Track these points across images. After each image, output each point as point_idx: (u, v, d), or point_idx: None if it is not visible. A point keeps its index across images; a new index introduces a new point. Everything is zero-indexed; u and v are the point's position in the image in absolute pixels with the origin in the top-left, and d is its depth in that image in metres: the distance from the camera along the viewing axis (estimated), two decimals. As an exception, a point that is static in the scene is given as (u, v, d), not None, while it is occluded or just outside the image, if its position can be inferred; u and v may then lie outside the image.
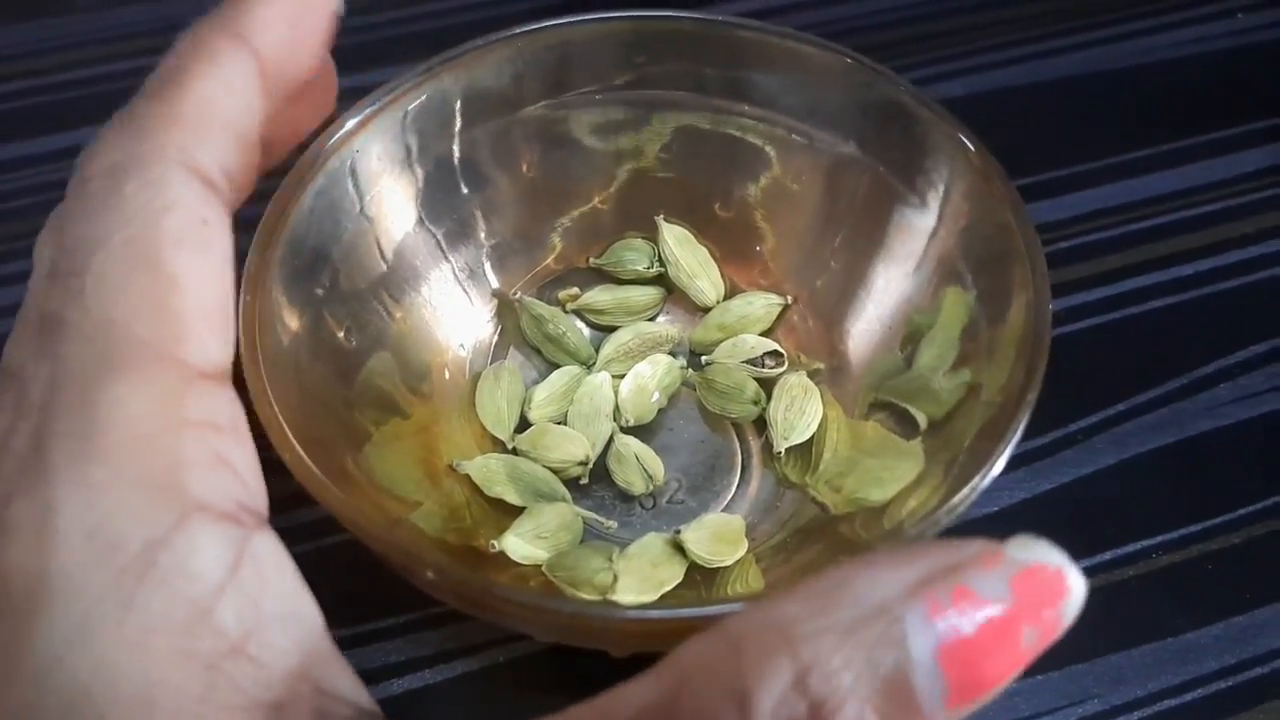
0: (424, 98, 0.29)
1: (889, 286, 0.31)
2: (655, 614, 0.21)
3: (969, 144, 0.28)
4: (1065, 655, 0.29)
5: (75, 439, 0.19)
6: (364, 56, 0.41)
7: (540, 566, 0.28)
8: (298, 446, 0.23)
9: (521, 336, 0.33)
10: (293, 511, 0.31)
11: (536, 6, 0.46)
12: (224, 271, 0.22)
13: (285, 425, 0.23)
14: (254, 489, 0.21)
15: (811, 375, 0.32)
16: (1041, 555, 0.17)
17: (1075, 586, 0.17)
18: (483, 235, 0.33)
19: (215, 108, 0.22)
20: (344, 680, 0.20)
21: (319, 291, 0.28)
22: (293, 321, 0.26)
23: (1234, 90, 0.43)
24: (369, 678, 0.29)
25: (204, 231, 0.21)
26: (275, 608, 0.19)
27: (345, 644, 0.29)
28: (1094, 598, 0.29)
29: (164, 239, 0.21)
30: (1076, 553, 0.30)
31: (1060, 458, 0.33)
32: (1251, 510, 0.32)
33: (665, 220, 0.34)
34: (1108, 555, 0.31)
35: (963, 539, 0.17)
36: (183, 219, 0.21)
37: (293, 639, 0.19)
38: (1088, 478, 0.33)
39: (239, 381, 0.27)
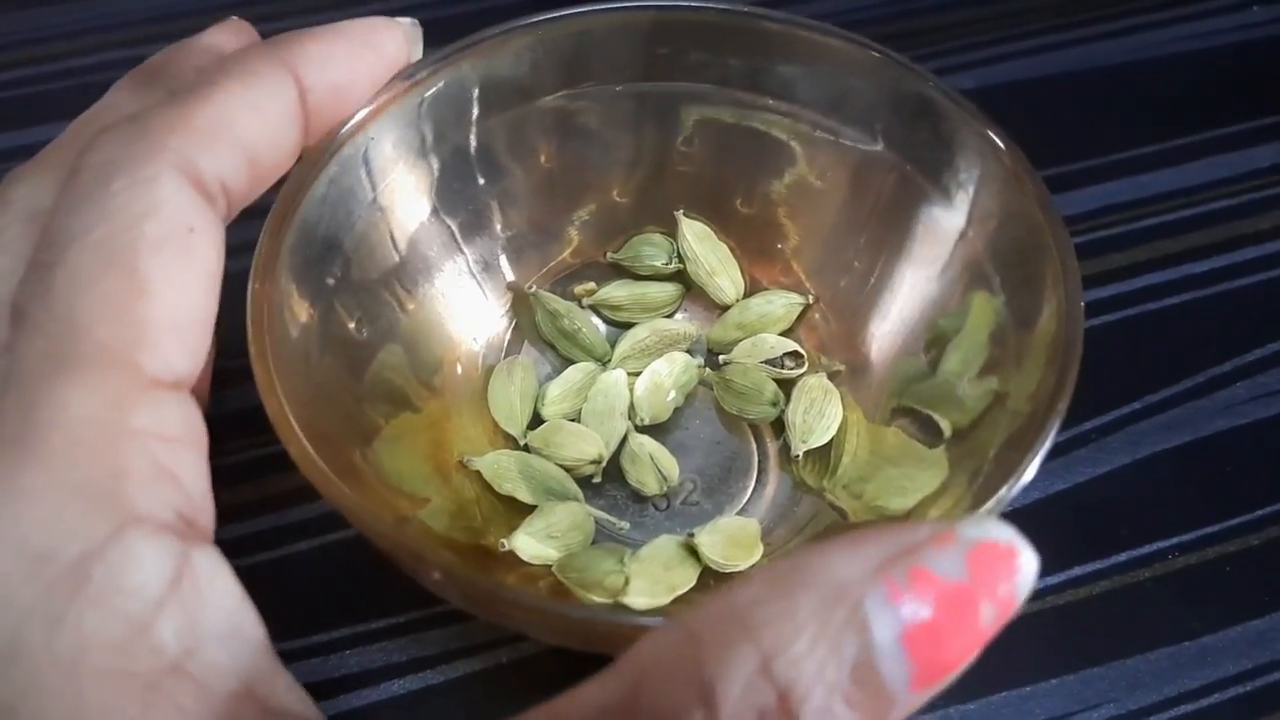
0: (441, 86, 0.28)
1: (914, 288, 0.30)
2: (662, 621, 0.21)
3: (999, 142, 0.27)
4: (1080, 659, 0.29)
5: (11, 443, 0.18)
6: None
7: (550, 567, 0.28)
8: (304, 440, 0.22)
9: (536, 331, 0.33)
10: (295, 507, 0.31)
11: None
12: (203, 282, 0.21)
13: (291, 418, 0.23)
14: (199, 502, 0.20)
15: (831, 377, 0.31)
16: (993, 532, 0.16)
17: (1027, 561, 0.17)
18: (499, 227, 0.32)
19: (232, 123, 0.22)
20: (289, 694, 0.19)
21: (330, 281, 0.27)
22: (302, 311, 0.26)
23: (1247, 84, 0.43)
24: (371, 678, 0.28)
25: (188, 239, 0.21)
26: (216, 624, 0.19)
27: (347, 643, 0.29)
28: (1109, 600, 0.30)
29: (142, 241, 0.20)
30: (1091, 554, 0.31)
31: (1074, 457, 0.33)
32: (1269, 511, 0.32)
33: (685, 215, 0.33)
34: (1123, 557, 0.31)
35: (917, 522, 0.17)
36: (167, 223, 0.20)
37: (235, 656, 0.19)
38: (1102, 478, 0.32)
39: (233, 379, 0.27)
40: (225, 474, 0.31)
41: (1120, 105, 0.42)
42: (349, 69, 0.25)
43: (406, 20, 0.27)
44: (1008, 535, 0.16)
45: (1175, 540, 0.31)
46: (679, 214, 0.33)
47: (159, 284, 0.20)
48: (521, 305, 0.33)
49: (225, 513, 0.31)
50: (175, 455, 0.20)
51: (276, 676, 0.19)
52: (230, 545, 0.30)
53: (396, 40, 0.26)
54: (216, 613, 0.19)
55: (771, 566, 0.16)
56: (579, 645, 0.24)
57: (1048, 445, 0.23)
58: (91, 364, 0.19)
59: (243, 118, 0.22)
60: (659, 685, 0.16)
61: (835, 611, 0.15)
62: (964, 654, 0.16)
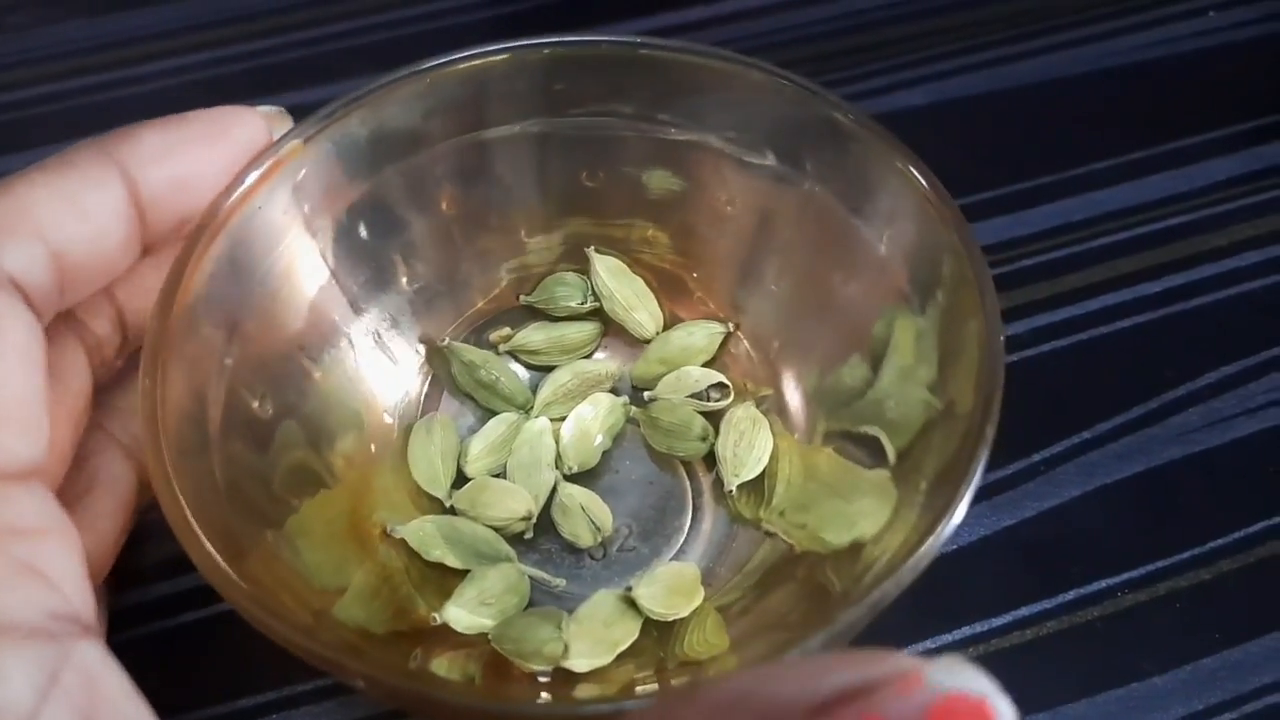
0: (329, 144, 0.27)
1: (835, 311, 0.30)
2: (584, 711, 0.20)
3: (909, 164, 0.27)
4: (1026, 704, 0.28)
5: None
6: (306, 73, 0.39)
7: (487, 636, 0.27)
8: (206, 543, 0.21)
9: (454, 384, 0.32)
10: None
11: (484, 18, 0.45)
12: (22, 367, 0.20)
13: (191, 516, 0.21)
14: (74, 595, 0.19)
15: (759, 403, 0.31)
16: (965, 682, 0.14)
17: (1003, 716, 0.14)
18: (404, 281, 0.31)
19: (32, 215, 0.21)
20: None
21: (228, 361, 0.26)
22: (201, 398, 0.25)
23: (1204, 93, 0.41)
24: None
25: None
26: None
27: (272, 708, 0.28)
28: (1057, 642, 0.29)
29: None
30: (1039, 593, 0.30)
31: (1022, 490, 0.32)
32: (1222, 544, 0.31)
33: (597, 251, 0.32)
34: (1071, 595, 0.30)
35: (880, 650, 0.15)
36: None
37: None
38: (1051, 511, 0.31)
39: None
40: (147, 530, 0.31)
41: (1073, 119, 0.41)
42: (193, 160, 0.24)
43: (270, 108, 0.26)
44: (981, 686, 0.14)
45: (1125, 576, 0.30)
46: (590, 250, 0.32)
47: None
48: (437, 358, 0.32)
49: (149, 571, 0.30)
50: (37, 549, 0.18)
51: None
52: (154, 605, 0.30)
53: (254, 126, 0.25)
54: (109, 708, 0.18)
55: (714, 692, 0.15)
56: None
57: (978, 477, 0.22)
58: None
59: (48, 211, 0.22)
60: None
61: None
62: None
